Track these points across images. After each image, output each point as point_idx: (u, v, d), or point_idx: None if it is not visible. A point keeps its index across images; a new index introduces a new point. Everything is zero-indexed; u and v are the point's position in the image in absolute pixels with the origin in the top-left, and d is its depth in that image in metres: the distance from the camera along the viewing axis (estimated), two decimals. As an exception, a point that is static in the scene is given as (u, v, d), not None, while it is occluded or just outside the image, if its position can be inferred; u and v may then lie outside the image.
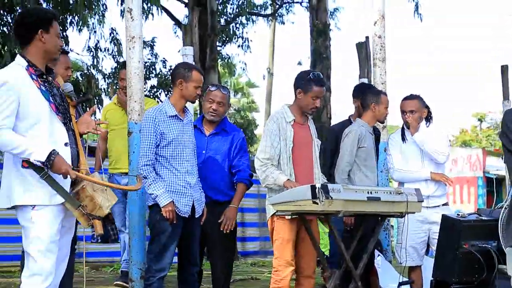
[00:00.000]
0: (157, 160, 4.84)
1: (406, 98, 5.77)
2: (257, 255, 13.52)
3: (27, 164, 3.51)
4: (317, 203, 4.48)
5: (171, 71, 13.32)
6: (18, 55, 3.68)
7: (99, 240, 4.70)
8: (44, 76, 3.67)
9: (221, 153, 5.22)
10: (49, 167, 3.47)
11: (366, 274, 5.50)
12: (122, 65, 6.36)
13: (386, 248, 6.87)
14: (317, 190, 4.48)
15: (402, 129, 5.80)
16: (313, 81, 4.96)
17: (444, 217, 5.36)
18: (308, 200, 4.52)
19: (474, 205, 19.42)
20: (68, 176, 3.55)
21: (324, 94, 5.12)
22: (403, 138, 5.76)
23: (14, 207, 3.60)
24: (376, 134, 5.91)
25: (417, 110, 5.69)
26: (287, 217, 4.85)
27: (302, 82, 5.00)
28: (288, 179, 4.86)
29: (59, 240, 3.62)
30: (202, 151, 5.16)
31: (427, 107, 5.77)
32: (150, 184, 4.77)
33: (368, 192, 4.72)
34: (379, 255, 6.18)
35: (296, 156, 4.95)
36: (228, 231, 5.16)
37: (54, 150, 3.48)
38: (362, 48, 8.46)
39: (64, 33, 9.66)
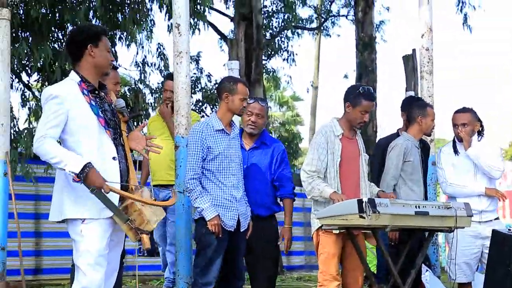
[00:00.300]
0: (203, 174, 4.87)
1: (458, 111, 5.69)
2: (303, 269, 13.46)
3: (78, 178, 3.55)
4: (364, 218, 4.45)
5: (216, 85, 13.50)
6: (72, 71, 3.77)
7: (145, 254, 4.76)
8: (96, 92, 3.75)
9: (262, 167, 5.22)
10: (82, 180, 3.51)
11: (414, 290, 5.43)
12: (167, 77, 6.35)
13: (434, 263, 6.77)
14: (364, 204, 4.45)
15: (454, 142, 5.72)
16: (362, 95, 4.93)
17: (495, 232, 5.27)
18: (355, 214, 4.49)
19: (525, 220, 19.01)
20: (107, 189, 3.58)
21: (372, 109, 5.09)
22: (455, 151, 5.68)
23: (64, 221, 3.66)
24: (426, 147, 5.84)
25: (469, 123, 5.61)
26: (334, 231, 4.83)
27: (351, 95, 4.98)
28: (335, 191, 4.83)
29: (108, 254, 3.65)
30: (243, 166, 5.14)
31: (479, 120, 5.68)
32: (196, 198, 4.81)
33: (416, 206, 4.67)
34: (427, 270, 6.09)
35: (343, 171, 4.92)
36: (286, 251, 5.23)
37: (89, 163, 3.52)
38: (409, 61, 8.39)
39: (113, 49, 9.84)
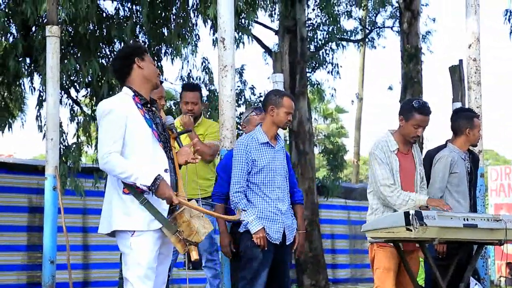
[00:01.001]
0: (248, 187, 4.88)
1: None
2: (348, 282, 13.35)
3: (128, 190, 3.61)
4: (411, 230, 4.39)
5: (260, 98, 13.54)
6: (124, 87, 3.82)
7: (191, 267, 4.78)
8: (149, 105, 3.81)
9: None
10: (153, 192, 3.56)
11: (463, 304, 5.32)
12: (186, 88, 6.08)
13: (483, 277, 6.63)
14: (411, 216, 4.40)
15: None
16: (415, 109, 4.85)
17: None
18: (402, 227, 4.44)
19: None
20: (166, 202, 3.62)
21: (427, 124, 4.96)
22: None
23: (113, 233, 3.69)
24: (475, 158, 5.74)
25: None
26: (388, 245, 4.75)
27: (405, 109, 4.91)
28: (429, 197, 4.77)
29: (157, 267, 3.67)
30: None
31: None
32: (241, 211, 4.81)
33: (464, 219, 4.60)
34: (476, 284, 5.97)
35: (401, 187, 4.84)
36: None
37: (159, 175, 3.58)
38: (456, 72, 8.26)
39: (159, 63, 9.96)
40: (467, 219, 4.61)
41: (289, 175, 5.11)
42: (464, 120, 5.53)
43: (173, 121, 3.98)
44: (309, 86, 15.07)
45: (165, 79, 10.88)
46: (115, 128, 3.63)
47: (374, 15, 16.98)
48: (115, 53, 4.02)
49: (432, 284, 5.56)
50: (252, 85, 13.55)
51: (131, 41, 4.32)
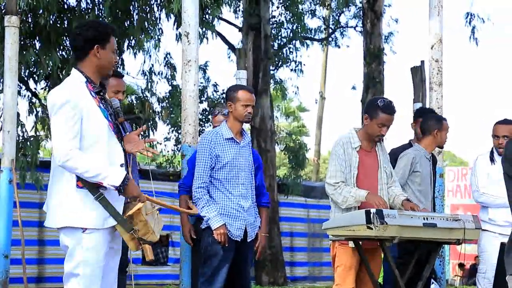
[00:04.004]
0: (211, 183, 4.84)
1: (500, 123, 5.64)
2: (306, 280, 13.41)
3: (82, 184, 3.42)
4: (371, 228, 4.41)
5: (223, 95, 13.48)
6: (74, 69, 3.58)
7: (142, 263, 4.71)
8: (101, 93, 3.59)
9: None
10: (121, 192, 3.41)
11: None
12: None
13: (440, 276, 6.72)
14: (371, 215, 4.41)
15: (491, 151, 5.68)
16: (380, 108, 4.84)
17: (503, 244, 5.21)
18: (363, 225, 4.45)
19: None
20: (122, 197, 3.49)
21: (392, 123, 4.95)
22: (492, 160, 5.64)
23: (60, 228, 3.49)
24: (434, 159, 5.80)
25: (511, 135, 5.56)
26: (350, 244, 4.77)
27: (370, 108, 4.90)
28: (369, 192, 4.74)
29: (108, 263, 3.53)
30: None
31: None
32: (203, 207, 4.77)
33: (424, 218, 4.63)
34: (433, 283, 6.05)
35: (360, 184, 4.83)
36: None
37: (127, 175, 3.42)
38: (417, 72, 8.35)
39: (121, 57, 9.85)
40: (427, 218, 4.64)
41: (259, 174, 5.10)
42: (434, 121, 5.59)
43: (119, 104, 3.74)
44: (272, 83, 15.08)
45: (127, 73, 10.78)
46: (72, 122, 3.39)
47: (338, 14, 17.08)
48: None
49: (390, 282, 5.61)
50: (215, 82, 13.51)
51: (98, 22, 3.98)
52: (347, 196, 4.73)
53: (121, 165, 3.51)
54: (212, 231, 4.74)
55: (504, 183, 3.51)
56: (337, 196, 4.77)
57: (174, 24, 10.02)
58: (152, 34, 9.80)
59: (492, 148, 5.67)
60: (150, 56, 10.84)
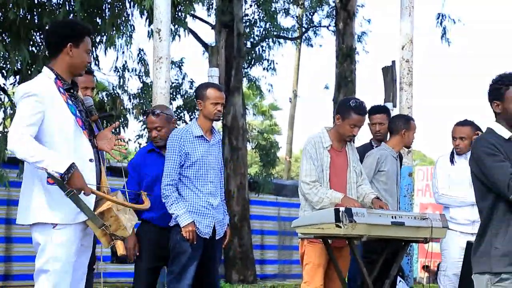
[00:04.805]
0: (180, 180, 4.83)
1: (458, 124, 5.72)
2: (276, 278, 13.45)
3: (53, 180, 3.43)
4: (340, 227, 4.44)
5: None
6: (45, 67, 3.62)
7: (114, 261, 4.66)
8: (71, 90, 3.61)
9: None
10: (66, 181, 3.36)
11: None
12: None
13: (407, 274, 6.79)
14: (340, 213, 4.45)
15: (452, 153, 5.75)
16: (353, 108, 4.87)
17: (469, 243, 5.29)
18: (332, 223, 4.49)
19: None
20: (84, 193, 3.49)
21: (363, 123, 5.01)
22: (452, 162, 5.70)
23: (31, 224, 3.50)
24: (400, 157, 5.86)
25: (468, 137, 5.63)
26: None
27: (342, 108, 4.93)
28: (345, 195, 4.79)
29: (77, 260, 3.54)
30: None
31: (479, 130, 5.67)
32: (171, 204, 4.77)
33: (392, 217, 4.68)
34: (400, 281, 6.11)
35: (331, 183, 4.88)
36: None
37: (73, 163, 3.38)
38: (388, 72, 8.43)
39: (94, 54, 9.77)
40: (395, 217, 4.69)
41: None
42: (402, 121, 5.65)
43: (92, 103, 3.77)
44: (246, 81, 15.09)
45: (99, 69, 10.69)
46: (32, 112, 3.40)
47: (311, 13, 17.14)
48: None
49: (355, 280, 5.66)
50: (191, 79, 13.49)
51: (74, 20, 3.94)
52: (323, 197, 4.76)
53: (90, 160, 3.53)
54: (181, 228, 4.73)
55: (472, 182, 3.54)
56: (313, 196, 4.79)
57: (146, 21, 9.97)
58: (124, 31, 9.73)
59: (453, 149, 5.75)
60: (123, 52, 10.77)
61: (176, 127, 5.13)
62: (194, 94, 5.08)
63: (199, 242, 4.78)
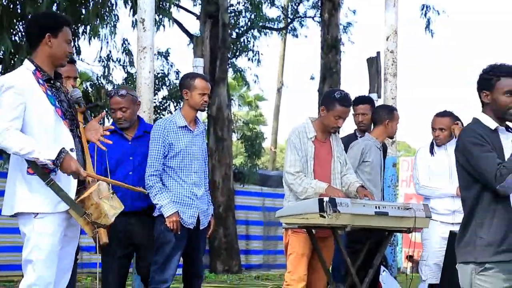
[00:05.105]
0: (164, 170, 4.83)
1: (437, 115, 5.73)
2: (261, 268, 13.48)
3: (33, 170, 3.45)
4: (324, 217, 4.45)
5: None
6: (26, 59, 3.65)
7: (97, 251, 4.62)
8: (52, 81, 3.63)
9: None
10: (58, 166, 3.40)
11: (372, 290, 5.46)
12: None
13: (391, 264, 6.83)
14: (324, 203, 4.45)
15: (432, 144, 5.77)
16: (337, 100, 4.87)
17: (452, 233, 5.33)
18: (316, 213, 4.49)
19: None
20: (75, 182, 3.50)
21: (348, 115, 5.01)
22: (431, 153, 5.73)
23: (16, 215, 3.53)
24: (384, 148, 5.89)
25: (447, 128, 5.65)
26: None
27: (327, 100, 4.93)
28: (329, 185, 4.80)
29: (62, 250, 3.55)
30: (129, 158, 4.86)
31: (459, 121, 5.69)
32: (155, 195, 4.76)
33: (376, 207, 4.70)
34: (384, 270, 6.14)
35: (315, 174, 4.89)
36: None
37: (63, 148, 3.43)
38: (373, 63, 8.44)
39: (77, 44, 9.70)
40: (379, 207, 4.71)
41: None
42: (385, 111, 5.66)
43: (80, 94, 3.78)
44: (231, 72, 15.07)
45: (82, 60, 10.62)
46: (14, 105, 3.43)
47: (297, 4, 17.12)
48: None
49: (339, 270, 5.69)
50: (177, 69, 13.45)
51: (53, 12, 3.99)
52: (307, 187, 4.77)
53: (71, 150, 3.55)
54: (165, 218, 4.73)
55: (457, 171, 3.55)
56: (297, 186, 4.80)
57: (130, 11, 9.92)
58: (108, 21, 9.67)
59: (432, 140, 5.78)
60: (107, 42, 10.70)
61: (137, 108, 5.02)
62: (179, 83, 5.05)
63: (183, 232, 4.78)
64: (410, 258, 13.08)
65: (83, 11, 9.49)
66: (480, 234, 3.38)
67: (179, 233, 4.75)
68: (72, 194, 3.52)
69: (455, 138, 5.61)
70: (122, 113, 4.90)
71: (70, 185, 3.52)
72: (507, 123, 3.52)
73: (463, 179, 3.48)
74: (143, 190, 4.18)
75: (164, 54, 13.47)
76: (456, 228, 5.42)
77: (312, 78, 17.06)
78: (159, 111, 12.84)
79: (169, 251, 4.75)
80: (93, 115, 8.09)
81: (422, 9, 14.12)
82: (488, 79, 3.46)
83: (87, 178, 3.60)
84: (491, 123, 3.47)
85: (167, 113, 13.00)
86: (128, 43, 11.72)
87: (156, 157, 4.80)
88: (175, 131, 4.85)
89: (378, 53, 8.26)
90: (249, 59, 15.01)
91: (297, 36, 16.98)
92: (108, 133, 3.76)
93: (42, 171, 3.45)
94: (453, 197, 5.58)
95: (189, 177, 4.85)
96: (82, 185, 3.59)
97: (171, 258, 4.75)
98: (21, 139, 3.40)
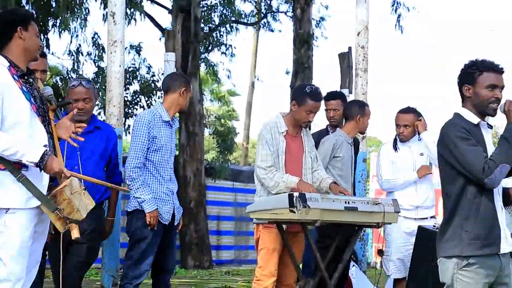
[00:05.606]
0: (144, 165, 4.77)
1: (401, 111, 5.77)
2: (232, 263, 13.50)
3: (4, 166, 3.43)
4: (294, 212, 4.47)
5: (153, 77, 13.31)
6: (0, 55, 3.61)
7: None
8: (26, 77, 3.61)
9: (97, 152, 4.70)
10: (42, 168, 3.41)
11: (341, 284, 5.50)
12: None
13: (361, 259, 6.88)
14: (294, 198, 4.46)
15: (395, 139, 5.81)
16: (308, 95, 4.88)
17: (420, 228, 5.38)
18: (285, 208, 4.50)
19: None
20: (47, 178, 3.49)
21: (319, 109, 5.03)
22: (395, 149, 5.77)
23: None
24: (356, 143, 5.92)
25: (411, 124, 5.69)
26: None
27: (298, 94, 4.95)
28: (301, 179, 4.80)
29: (31, 245, 3.53)
30: (76, 152, 4.54)
31: (422, 117, 5.74)
32: (138, 188, 4.70)
33: (345, 202, 4.73)
34: (353, 265, 6.19)
35: (286, 168, 4.89)
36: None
37: (46, 150, 3.43)
38: (345, 58, 8.47)
39: (45, 36, 9.60)
40: (348, 202, 4.74)
41: (114, 154, 4.83)
42: (357, 107, 5.69)
43: (52, 92, 3.76)
44: (203, 67, 15.00)
45: (52, 53, 10.52)
46: None
47: (269, -1, 17.09)
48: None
49: (309, 265, 5.72)
50: (149, 64, 13.38)
51: (16, 8, 4.02)
52: (279, 182, 4.78)
53: (45, 146, 3.53)
54: (142, 214, 4.68)
55: (438, 166, 3.57)
56: (269, 180, 4.81)
57: (101, 4, 9.85)
58: (78, 13, 9.58)
59: (396, 136, 5.83)
60: (77, 36, 10.62)
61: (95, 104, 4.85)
62: (174, 80, 4.91)
63: (159, 228, 4.76)
64: (380, 252, 13.16)
65: (53, 3, 9.40)
66: (465, 228, 3.38)
67: (155, 229, 4.72)
68: (44, 190, 3.51)
69: (418, 134, 5.68)
70: (84, 104, 4.67)
71: (41, 180, 3.51)
72: (486, 118, 3.55)
73: (446, 174, 3.47)
74: (127, 190, 4.12)
75: (136, 48, 13.39)
76: (419, 223, 5.53)
77: (288, 72, 17.02)
78: (130, 105, 12.76)
79: (145, 247, 4.72)
80: (62, 111, 8.00)
81: (393, 5, 14.20)
82: (471, 73, 3.49)
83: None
84: (473, 118, 3.49)
85: (139, 107, 12.94)
86: (99, 37, 11.64)
87: (141, 149, 4.73)
88: (159, 125, 4.82)
89: (350, 48, 8.29)
90: (222, 53, 14.97)
91: (272, 31, 16.96)
92: (80, 130, 3.74)
93: (13, 166, 3.43)
94: (417, 191, 5.64)
95: (167, 173, 4.84)
96: (53, 181, 3.57)
97: (146, 254, 4.72)
98: (6, 139, 3.38)
